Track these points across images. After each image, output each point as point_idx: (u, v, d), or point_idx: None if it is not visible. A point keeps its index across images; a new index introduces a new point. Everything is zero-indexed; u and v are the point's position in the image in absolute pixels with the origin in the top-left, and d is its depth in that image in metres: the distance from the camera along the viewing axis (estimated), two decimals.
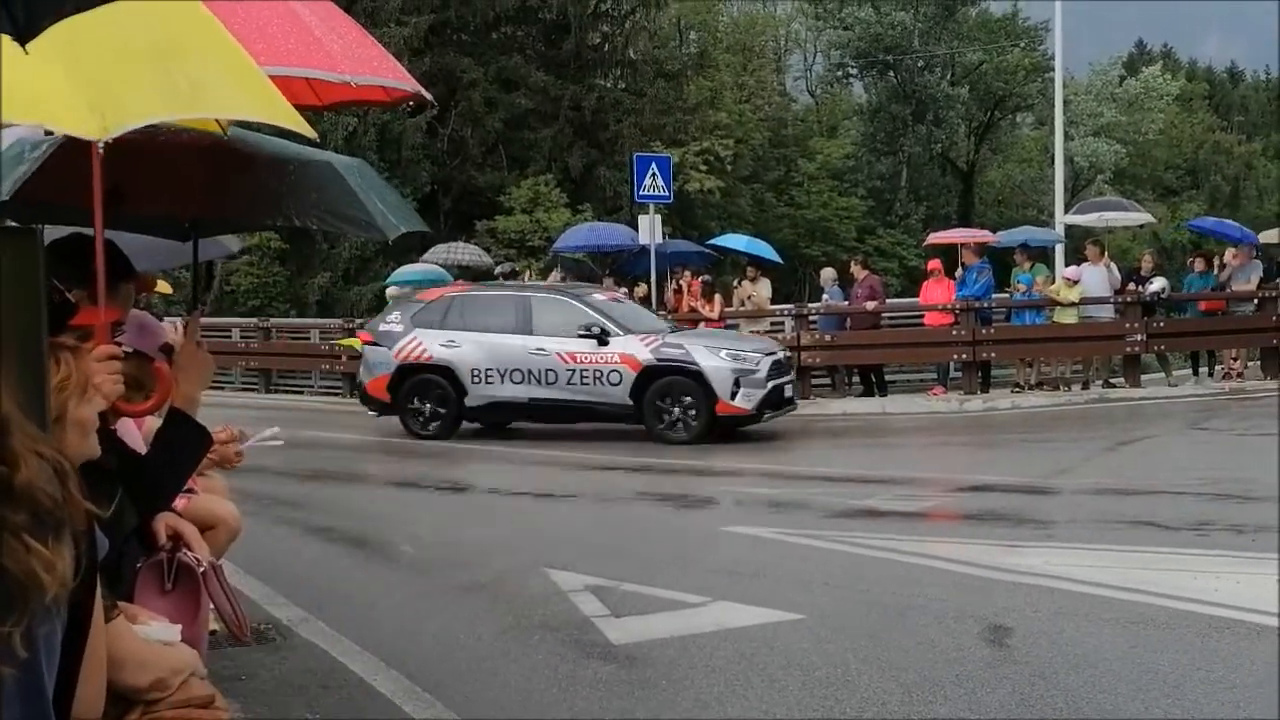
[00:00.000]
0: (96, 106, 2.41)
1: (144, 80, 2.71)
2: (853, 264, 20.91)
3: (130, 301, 4.71)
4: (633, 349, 14.90)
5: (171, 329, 5.13)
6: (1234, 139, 64.36)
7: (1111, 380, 18.96)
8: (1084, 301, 18.74)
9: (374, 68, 4.26)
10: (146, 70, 2.73)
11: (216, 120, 3.63)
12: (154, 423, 4.04)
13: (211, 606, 3.85)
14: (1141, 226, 38.15)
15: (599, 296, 16.23)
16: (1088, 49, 53.21)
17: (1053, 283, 19.69)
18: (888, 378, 19.99)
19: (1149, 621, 6.33)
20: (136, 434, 4.19)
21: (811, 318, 20.03)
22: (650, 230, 20.78)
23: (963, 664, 5.78)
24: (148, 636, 3.05)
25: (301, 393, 24.04)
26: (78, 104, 2.40)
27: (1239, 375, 18.80)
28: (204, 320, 19.08)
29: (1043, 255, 22.41)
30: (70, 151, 4.03)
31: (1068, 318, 18.70)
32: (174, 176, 4.69)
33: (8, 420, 1.54)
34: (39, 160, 4.21)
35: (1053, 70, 33.52)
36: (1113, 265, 19.77)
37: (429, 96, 4.61)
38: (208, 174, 4.73)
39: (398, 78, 4.44)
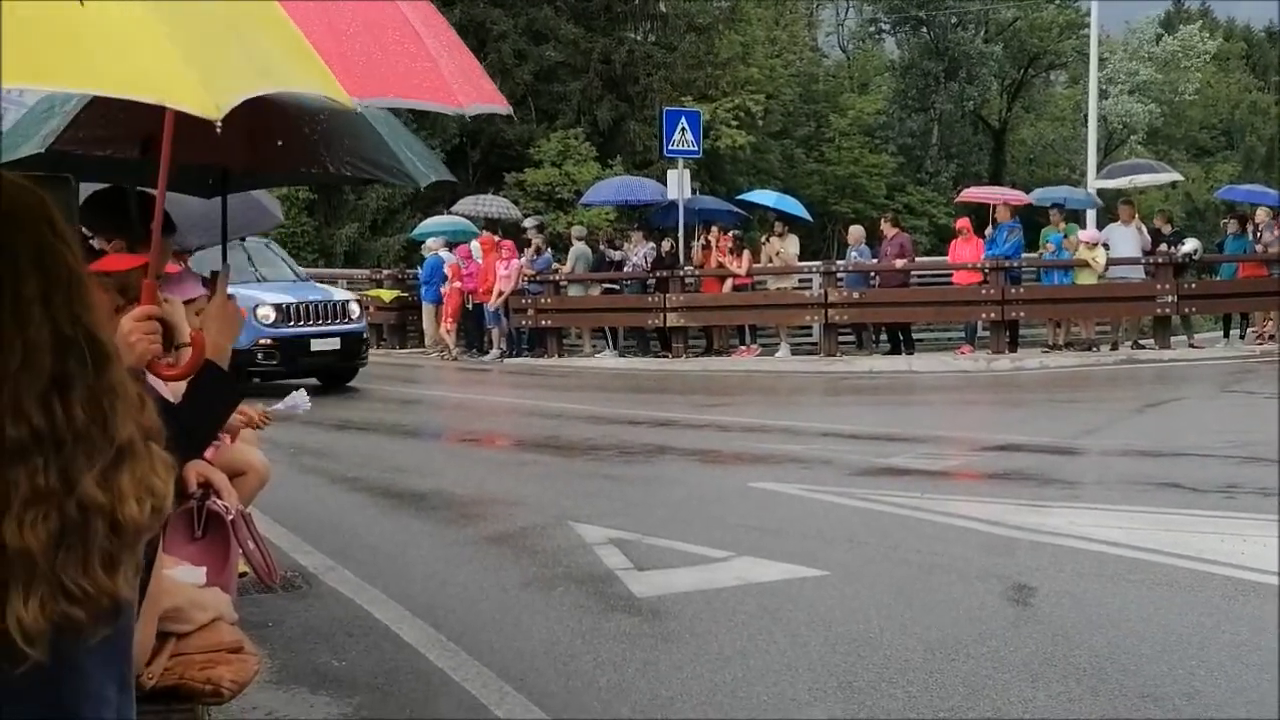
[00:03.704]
0: (205, 82, 2.28)
1: (230, 53, 2.60)
2: (883, 221, 20.82)
3: (168, 256, 4.73)
4: None
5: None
6: (1271, 99, 63.37)
7: (1141, 342, 18.85)
8: (1114, 262, 18.60)
9: (481, 91, 3.50)
10: (227, 42, 2.62)
11: None
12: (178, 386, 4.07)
13: (240, 553, 3.90)
14: (1174, 186, 37.78)
15: None
16: (1124, 6, 52.35)
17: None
18: (915, 336, 19.94)
19: (1173, 583, 6.32)
20: (161, 382, 4.22)
21: (839, 275, 19.96)
22: (679, 185, 20.74)
23: (985, 623, 5.79)
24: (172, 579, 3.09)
25: None
26: (190, 79, 2.27)
27: (1270, 338, 18.66)
28: None
29: (1075, 216, 22.20)
30: (99, 105, 4.01)
31: (1087, 278, 18.54)
32: (210, 126, 4.68)
33: None
34: (70, 114, 4.19)
35: (1088, 27, 33.06)
36: (1143, 226, 19.60)
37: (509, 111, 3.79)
38: (244, 123, 4.71)
39: (494, 100, 3.62)
